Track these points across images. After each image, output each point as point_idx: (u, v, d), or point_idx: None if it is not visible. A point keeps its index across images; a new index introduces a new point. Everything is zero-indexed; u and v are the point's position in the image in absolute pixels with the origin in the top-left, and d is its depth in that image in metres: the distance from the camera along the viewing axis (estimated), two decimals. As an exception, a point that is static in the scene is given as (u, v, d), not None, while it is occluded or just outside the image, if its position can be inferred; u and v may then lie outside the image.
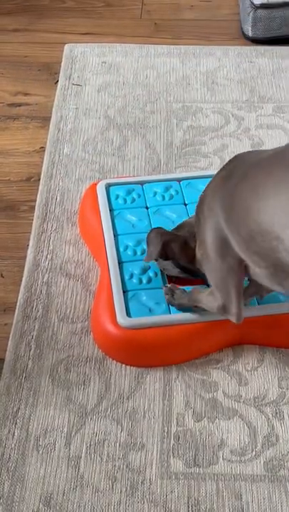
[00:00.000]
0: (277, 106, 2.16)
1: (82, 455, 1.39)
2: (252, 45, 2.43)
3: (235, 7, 2.60)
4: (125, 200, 1.76)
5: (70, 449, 1.40)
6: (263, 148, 2.02)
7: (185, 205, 1.76)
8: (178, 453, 1.40)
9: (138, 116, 2.11)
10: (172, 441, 1.41)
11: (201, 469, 1.37)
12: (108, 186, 1.79)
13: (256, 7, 2.38)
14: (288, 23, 2.39)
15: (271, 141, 2.04)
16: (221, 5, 2.64)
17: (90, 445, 1.41)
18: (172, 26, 2.54)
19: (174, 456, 1.39)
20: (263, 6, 2.37)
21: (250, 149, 2.03)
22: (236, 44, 2.44)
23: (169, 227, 1.69)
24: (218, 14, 2.60)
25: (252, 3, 2.38)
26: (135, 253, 1.65)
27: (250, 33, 2.43)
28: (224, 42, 2.46)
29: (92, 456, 1.39)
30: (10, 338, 1.58)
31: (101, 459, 1.39)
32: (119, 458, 1.39)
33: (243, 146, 2.02)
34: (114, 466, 1.38)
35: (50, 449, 1.40)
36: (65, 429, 1.43)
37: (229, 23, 2.55)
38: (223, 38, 2.49)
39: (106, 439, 1.42)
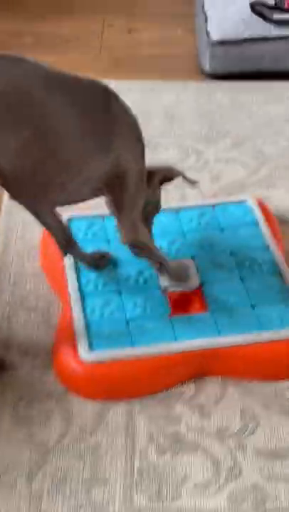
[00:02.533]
0: (235, 140, 2.20)
1: (45, 492, 1.37)
2: (210, 80, 2.47)
3: (193, 43, 2.65)
4: (87, 234, 1.77)
5: (31, 486, 1.38)
6: (223, 181, 2.05)
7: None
8: (141, 488, 1.38)
9: (98, 150, 2.12)
10: (135, 476, 1.40)
11: (164, 504, 1.36)
12: (70, 220, 1.80)
13: (213, 43, 2.43)
14: (245, 59, 2.44)
15: (230, 174, 2.07)
16: (180, 41, 2.69)
17: (53, 482, 1.39)
18: (131, 62, 2.58)
19: (137, 492, 1.38)
20: (220, 43, 2.42)
21: (210, 183, 2.05)
22: (194, 79, 2.48)
23: (131, 260, 1.70)
24: (177, 50, 2.64)
25: (209, 39, 2.43)
26: (97, 286, 1.65)
27: (208, 69, 2.48)
28: (183, 77, 2.50)
29: (55, 492, 1.37)
30: None
31: (63, 495, 1.37)
32: (82, 494, 1.37)
33: (203, 180, 2.05)
34: (77, 502, 1.36)
35: (12, 487, 1.38)
36: (27, 467, 1.41)
37: (187, 59, 2.59)
38: (182, 73, 2.53)
39: (68, 475, 1.40)
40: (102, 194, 1.51)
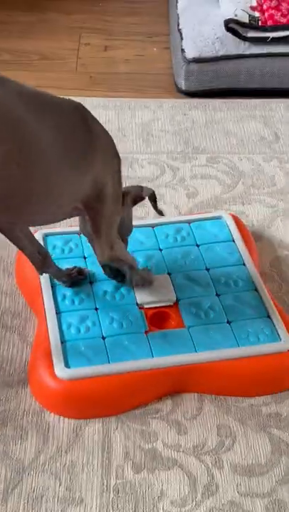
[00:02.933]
0: (210, 156, 2.21)
1: (20, 511, 1.36)
2: (185, 97, 2.49)
3: (168, 61, 2.67)
4: (63, 250, 1.76)
5: (6, 505, 1.36)
6: (198, 197, 2.06)
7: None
8: (117, 506, 1.37)
9: (74, 167, 2.12)
10: (112, 495, 1.39)
11: (141, 522, 1.35)
12: (46, 236, 1.79)
13: (189, 61, 2.44)
14: (220, 77, 2.46)
15: (205, 191, 2.08)
16: (155, 59, 2.71)
17: (28, 501, 1.37)
18: (107, 79, 2.59)
19: (113, 510, 1.37)
20: (195, 60, 2.43)
21: (186, 199, 2.06)
22: (170, 97, 2.50)
23: (108, 278, 1.69)
24: (152, 68, 2.66)
25: (184, 57, 2.45)
26: (73, 302, 1.65)
27: (183, 86, 2.49)
28: (158, 95, 2.51)
29: (30, 512, 1.36)
30: None
31: (39, 515, 1.36)
32: (57, 513, 1.36)
33: (179, 196, 2.06)
34: (53, 522, 1.35)
35: (-14, 507, 1.36)
36: (1, 486, 1.39)
37: (163, 77, 2.61)
38: (158, 91, 2.54)
39: (44, 494, 1.39)
40: (79, 214, 1.51)
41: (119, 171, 1.50)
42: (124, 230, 1.64)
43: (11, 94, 1.29)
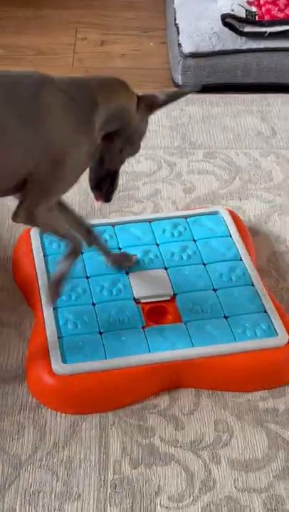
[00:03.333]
0: (207, 152, 2.20)
1: (17, 507, 1.36)
2: (182, 92, 2.48)
3: (165, 56, 2.67)
4: (59, 246, 1.76)
5: (3, 501, 1.36)
6: (195, 192, 2.06)
7: (119, 249, 1.77)
8: (115, 501, 1.37)
9: (71, 162, 2.12)
10: (109, 490, 1.39)
11: (138, 517, 1.35)
12: (42, 233, 1.78)
13: (185, 56, 2.44)
14: (217, 71, 2.46)
15: (202, 186, 2.08)
16: (152, 54, 2.71)
17: (25, 497, 1.37)
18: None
19: (110, 505, 1.37)
20: (192, 55, 2.43)
21: (183, 194, 2.06)
22: (167, 92, 2.49)
23: (104, 272, 1.69)
24: (149, 63, 2.66)
25: (181, 52, 2.44)
26: (70, 298, 1.64)
27: (180, 81, 2.49)
28: (155, 89, 2.49)
29: (27, 508, 1.36)
30: None
31: (36, 510, 1.35)
32: (54, 509, 1.36)
33: (176, 191, 2.05)
34: (50, 517, 1.35)
35: (-16, 503, 1.36)
36: (-1, 481, 1.40)
37: (160, 72, 2.60)
38: (154, 85, 2.54)
39: (41, 489, 1.38)
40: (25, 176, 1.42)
41: (80, 146, 1.41)
42: (135, 145, 1.55)
43: None
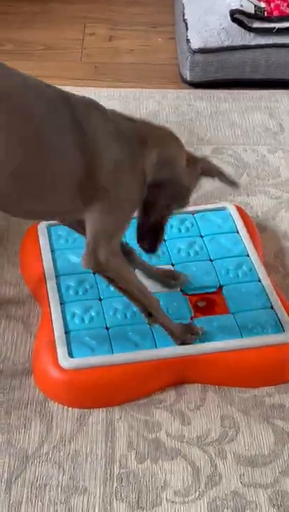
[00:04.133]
0: (215, 147, 2.20)
1: (23, 500, 1.36)
2: (190, 88, 2.48)
3: (173, 51, 2.66)
4: (67, 240, 1.76)
5: (10, 494, 1.37)
6: (203, 188, 2.05)
7: (126, 244, 1.77)
8: (121, 495, 1.38)
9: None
10: (115, 484, 1.39)
11: (144, 511, 1.35)
12: (49, 226, 1.79)
13: (194, 51, 2.43)
14: (225, 67, 2.45)
15: (210, 182, 2.07)
16: (160, 49, 2.70)
17: (31, 490, 1.38)
18: (112, 69, 2.58)
19: (116, 499, 1.37)
20: (201, 51, 2.43)
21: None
22: (175, 87, 2.49)
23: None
24: (157, 58, 2.65)
25: (189, 47, 2.44)
26: (77, 293, 1.65)
27: (188, 77, 2.49)
28: (163, 85, 2.50)
29: (34, 501, 1.36)
30: None
31: (42, 503, 1.36)
32: (61, 502, 1.36)
33: (183, 187, 2.05)
34: (56, 510, 1.35)
35: (-10, 496, 1.37)
36: (6, 474, 1.40)
37: (168, 67, 2.60)
38: (162, 81, 2.53)
39: (47, 483, 1.39)
40: (79, 210, 1.43)
41: (125, 175, 1.41)
42: (182, 201, 1.53)
43: (18, 84, 1.31)
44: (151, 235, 1.53)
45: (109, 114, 1.43)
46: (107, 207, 1.41)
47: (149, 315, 1.51)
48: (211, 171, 1.54)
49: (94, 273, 1.60)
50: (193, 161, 1.51)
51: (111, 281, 1.49)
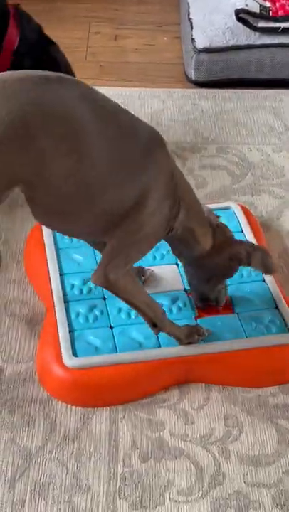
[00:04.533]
0: (220, 147, 2.20)
1: (27, 499, 1.36)
2: (195, 87, 2.48)
3: (178, 51, 2.66)
4: (71, 240, 1.76)
5: (14, 492, 1.37)
6: (207, 188, 2.05)
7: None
8: (124, 494, 1.38)
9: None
10: (118, 483, 1.39)
11: (147, 510, 1.36)
12: (54, 226, 1.79)
13: (199, 51, 2.43)
14: (230, 67, 2.45)
15: (215, 181, 2.08)
16: (165, 49, 2.70)
17: (35, 488, 1.38)
18: (117, 69, 2.58)
19: (120, 498, 1.37)
20: (206, 50, 2.43)
21: (195, 189, 2.05)
22: (180, 87, 2.49)
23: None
24: (162, 58, 2.65)
25: (195, 47, 2.44)
26: (81, 292, 1.65)
27: (193, 76, 2.49)
28: (168, 85, 2.50)
29: (37, 499, 1.36)
30: None
31: (46, 502, 1.36)
32: (64, 501, 1.36)
33: (188, 186, 2.05)
34: (60, 509, 1.35)
35: (-6, 494, 1.37)
36: (9, 473, 1.40)
37: (173, 67, 2.60)
38: (167, 80, 2.53)
39: (51, 481, 1.39)
40: (109, 232, 1.42)
41: (162, 211, 1.41)
42: (218, 280, 1.56)
43: (73, 96, 1.28)
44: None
45: (168, 151, 1.43)
46: (131, 237, 1.41)
47: (154, 325, 1.51)
48: (243, 260, 1.53)
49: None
50: (221, 246, 1.51)
51: (117, 295, 1.49)
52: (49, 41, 2.02)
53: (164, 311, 1.52)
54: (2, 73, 1.26)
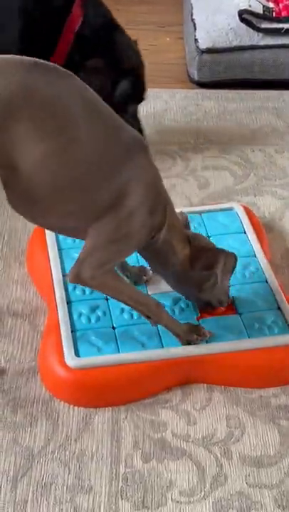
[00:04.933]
0: (222, 148, 2.20)
1: (29, 499, 1.36)
2: (198, 88, 2.48)
3: (181, 51, 2.66)
4: (74, 240, 1.76)
5: (16, 492, 1.37)
6: (210, 188, 2.05)
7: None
8: (126, 495, 1.38)
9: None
10: (120, 483, 1.39)
11: (149, 511, 1.36)
12: (56, 226, 1.79)
13: (202, 51, 2.44)
14: (233, 67, 2.46)
15: (217, 182, 2.08)
16: (168, 49, 2.70)
17: (37, 488, 1.38)
18: (120, 69, 2.58)
19: (122, 499, 1.37)
20: (209, 51, 2.43)
21: (198, 190, 2.06)
22: (183, 87, 2.49)
23: (118, 266, 1.69)
24: (165, 58, 2.65)
25: (197, 47, 2.44)
26: (84, 292, 1.65)
27: (196, 77, 2.49)
28: (171, 85, 2.50)
29: (39, 499, 1.36)
30: None
31: (48, 502, 1.36)
32: (66, 501, 1.36)
33: (190, 187, 2.05)
34: (62, 509, 1.35)
35: (-4, 494, 1.37)
36: (11, 473, 1.40)
37: (176, 67, 2.60)
38: (170, 81, 2.54)
39: (53, 482, 1.39)
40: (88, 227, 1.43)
41: (142, 213, 1.41)
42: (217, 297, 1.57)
43: (64, 86, 1.30)
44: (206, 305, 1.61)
45: (151, 159, 1.44)
46: (108, 236, 1.41)
47: (149, 317, 1.51)
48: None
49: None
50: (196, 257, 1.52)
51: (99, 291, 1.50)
52: (115, 27, 1.98)
53: (160, 304, 1.52)
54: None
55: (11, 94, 1.25)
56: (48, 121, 1.28)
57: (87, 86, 1.36)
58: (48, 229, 1.61)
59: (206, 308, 1.61)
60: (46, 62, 1.31)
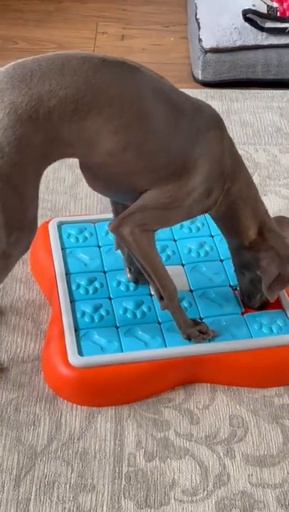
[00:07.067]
0: (227, 147, 2.20)
1: (32, 497, 1.37)
2: (202, 88, 2.48)
3: (185, 51, 2.66)
4: (77, 239, 1.77)
5: (19, 491, 1.37)
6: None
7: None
8: (129, 494, 1.38)
9: (90, 156, 2.12)
10: (123, 482, 1.40)
11: (152, 510, 1.36)
12: (60, 225, 1.79)
13: (206, 51, 2.43)
14: (237, 67, 2.45)
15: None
16: (172, 49, 2.70)
17: (40, 487, 1.38)
18: (124, 68, 2.58)
19: (125, 497, 1.37)
20: (213, 50, 2.43)
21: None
22: (187, 87, 2.49)
23: (121, 267, 1.69)
24: (169, 57, 2.65)
25: (202, 47, 2.44)
26: (87, 292, 1.65)
27: (200, 77, 2.49)
28: (175, 84, 2.49)
29: (42, 498, 1.37)
30: None
31: (51, 501, 1.36)
32: (69, 500, 1.37)
33: (194, 186, 2.05)
34: (65, 508, 1.35)
35: (-1, 492, 1.37)
36: (14, 471, 1.40)
37: (180, 67, 2.60)
38: (174, 80, 2.50)
39: (56, 480, 1.39)
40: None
41: (200, 193, 1.44)
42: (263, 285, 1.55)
43: (143, 86, 1.35)
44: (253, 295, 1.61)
45: (229, 139, 1.47)
46: (160, 202, 1.43)
47: (161, 298, 1.51)
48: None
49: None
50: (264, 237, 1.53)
51: (130, 251, 1.49)
52: None
53: (177, 290, 1.51)
54: (66, 52, 1.33)
55: (78, 91, 1.29)
56: (117, 117, 1.32)
57: (156, 75, 1.40)
58: (107, 196, 1.59)
59: (250, 301, 1.61)
60: (114, 58, 1.35)
